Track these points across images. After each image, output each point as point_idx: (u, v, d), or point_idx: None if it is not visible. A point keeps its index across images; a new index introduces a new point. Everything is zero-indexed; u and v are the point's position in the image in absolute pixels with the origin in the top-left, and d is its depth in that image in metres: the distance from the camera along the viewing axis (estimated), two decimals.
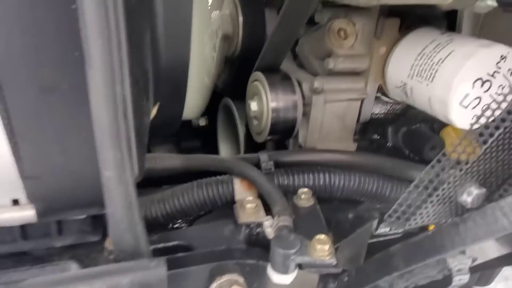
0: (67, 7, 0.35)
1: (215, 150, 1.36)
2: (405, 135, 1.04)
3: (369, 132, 1.03)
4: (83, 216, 0.51)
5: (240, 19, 0.99)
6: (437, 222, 0.48)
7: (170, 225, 0.82)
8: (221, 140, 1.33)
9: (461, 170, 0.43)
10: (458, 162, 0.42)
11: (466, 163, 0.43)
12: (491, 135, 0.41)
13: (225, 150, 1.33)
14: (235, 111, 1.07)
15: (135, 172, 0.52)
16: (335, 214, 0.76)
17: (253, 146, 1.06)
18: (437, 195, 0.44)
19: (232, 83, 1.12)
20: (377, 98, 0.96)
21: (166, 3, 0.50)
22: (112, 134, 0.35)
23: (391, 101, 0.98)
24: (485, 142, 0.41)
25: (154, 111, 0.66)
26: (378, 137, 1.05)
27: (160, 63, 0.56)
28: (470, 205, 0.45)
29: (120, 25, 0.36)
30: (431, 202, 0.45)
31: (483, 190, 0.44)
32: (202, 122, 1.38)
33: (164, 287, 0.45)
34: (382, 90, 0.93)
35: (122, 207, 0.40)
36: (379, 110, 0.99)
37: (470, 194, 0.44)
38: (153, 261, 0.45)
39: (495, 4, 0.69)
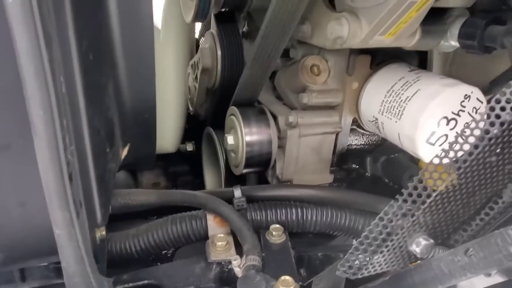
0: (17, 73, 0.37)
1: (202, 175, 1.37)
2: (384, 164, 1.05)
3: (347, 163, 1.04)
4: (44, 263, 0.52)
5: (219, 52, 1.01)
6: (391, 269, 0.49)
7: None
8: (205, 166, 1.34)
9: (408, 222, 0.44)
10: (404, 214, 0.43)
11: (413, 215, 0.44)
12: (434, 190, 0.42)
13: (209, 176, 1.34)
14: (216, 141, 1.09)
15: (97, 219, 0.53)
16: (307, 250, 0.77)
17: (234, 175, 1.07)
18: (387, 246, 0.45)
19: (213, 113, 1.13)
20: (353, 130, 0.97)
21: (127, 54, 0.52)
22: (59, 196, 0.36)
23: (367, 132, 0.99)
24: (429, 196, 0.42)
25: (124, 152, 0.68)
26: (357, 166, 1.06)
27: (125, 109, 0.58)
28: (419, 255, 0.46)
29: (74, 92, 0.37)
30: (381, 252, 0.46)
31: (431, 241, 0.45)
32: (190, 147, 1.40)
33: None
34: (357, 122, 0.94)
35: (73, 263, 0.41)
36: (356, 141, 1.01)
37: (419, 245, 0.45)
38: None
39: (458, 45, 0.71)
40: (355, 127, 0.96)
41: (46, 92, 0.32)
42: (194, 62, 1.14)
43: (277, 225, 0.76)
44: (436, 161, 0.45)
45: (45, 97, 0.32)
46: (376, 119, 0.83)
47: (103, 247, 0.66)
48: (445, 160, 0.42)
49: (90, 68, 0.44)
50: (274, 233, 0.74)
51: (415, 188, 0.43)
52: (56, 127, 0.33)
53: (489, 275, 0.44)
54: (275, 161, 0.93)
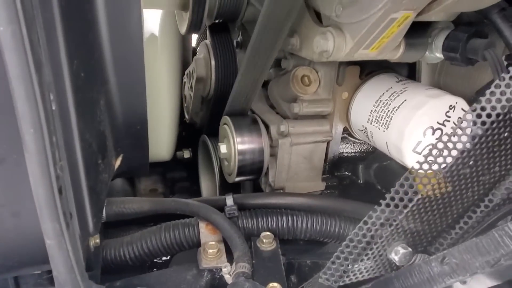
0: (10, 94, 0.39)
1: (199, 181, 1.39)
2: (376, 171, 1.07)
3: (340, 170, 1.06)
4: (38, 272, 0.54)
5: (212, 62, 1.03)
6: (373, 277, 0.51)
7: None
8: (201, 172, 1.36)
9: (387, 231, 0.46)
10: (382, 224, 0.45)
11: (391, 225, 0.45)
12: (410, 200, 0.44)
13: (205, 182, 1.36)
14: (211, 149, 1.11)
15: (89, 228, 0.55)
16: (297, 256, 0.79)
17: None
18: (367, 254, 0.47)
19: (208, 121, 1.15)
20: (344, 138, 0.99)
21: (118, 70, 0.54)
22: (49, 208, 0.38)
23: (359, 141, 1.01)
24: (405, 207, 0.44)
25: (118, 162, 0.70)
26: (350, 174, 1.08)
27: (117, 122, 0.60)
28: (398, 263, 0.47)
29: (65, 108, 0.39)
30: (362, 260, 0.47)
31: (409, 249, 0.47)
32: (187, 154, 1.42)
33: None
34: (348, 131, 0.96)
35: (64, 271, 0.43)
36: (348, 149, 1.02)
37: (397, 253, 0.47)
38: None
39: (443, 57, 0.73)
40: (346, 135, 0.98)
41: (36, 113, 0.34)
42: (190, 71, 1.16)
43: (268, 233, 0.77)
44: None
45: (35, 117, 0.34)
46: (366, 128, 0.85)
47: (98, 254, 0.68)
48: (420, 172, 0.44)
49: (81, 85, 0.46)
50: (264, 240, 0.76)
51: (392, 198, 0.45)
52: (46, 144, 0.35)
53: (464, 282, 0.45)
54: (268, 169, 0.95)
